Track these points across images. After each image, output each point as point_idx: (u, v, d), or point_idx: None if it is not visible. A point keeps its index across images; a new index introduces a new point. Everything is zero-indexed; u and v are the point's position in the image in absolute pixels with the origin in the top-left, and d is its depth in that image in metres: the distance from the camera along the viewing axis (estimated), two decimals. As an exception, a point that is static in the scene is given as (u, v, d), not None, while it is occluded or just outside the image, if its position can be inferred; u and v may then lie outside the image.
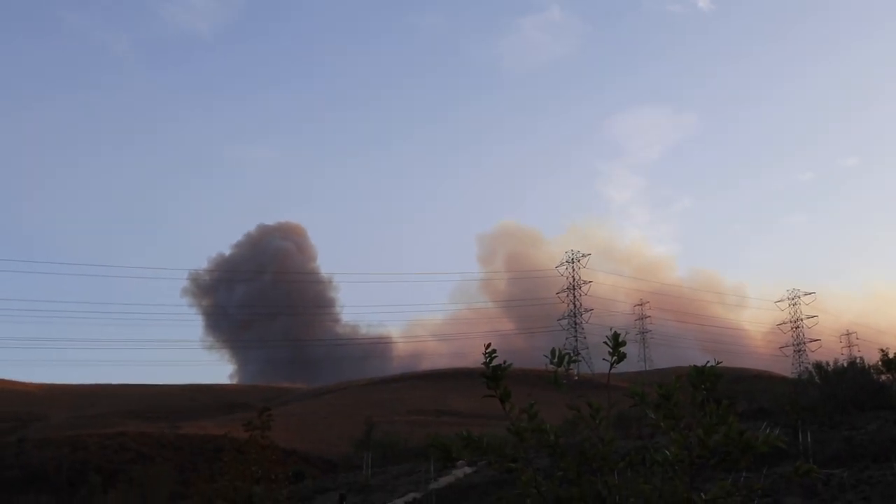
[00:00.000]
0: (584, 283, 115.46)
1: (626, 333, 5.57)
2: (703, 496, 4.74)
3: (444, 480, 33.39)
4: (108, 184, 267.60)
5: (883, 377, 39.46)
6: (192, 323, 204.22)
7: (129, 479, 40.80)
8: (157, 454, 56.99)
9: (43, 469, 53.19)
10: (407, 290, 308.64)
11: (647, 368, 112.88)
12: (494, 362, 5.24)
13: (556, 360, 5.25)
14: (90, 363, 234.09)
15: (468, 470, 34.23)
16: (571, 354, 5.38)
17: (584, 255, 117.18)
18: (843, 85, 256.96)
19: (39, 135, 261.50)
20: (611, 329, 5.66)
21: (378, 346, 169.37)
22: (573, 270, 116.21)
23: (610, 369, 5.35)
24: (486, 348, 5.30)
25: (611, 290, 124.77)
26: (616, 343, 5.31)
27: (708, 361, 5.22)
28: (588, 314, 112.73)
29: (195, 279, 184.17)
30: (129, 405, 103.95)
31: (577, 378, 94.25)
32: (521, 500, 4.92)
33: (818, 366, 43.73)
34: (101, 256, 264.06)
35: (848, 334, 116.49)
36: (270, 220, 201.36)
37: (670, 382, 5.19)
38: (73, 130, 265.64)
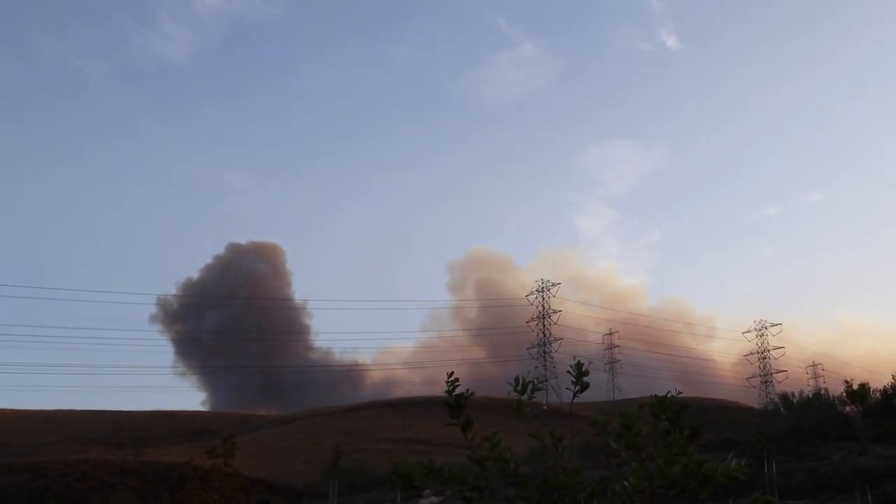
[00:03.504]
0: (554, 312, 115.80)
1: (591, 363, 5.57)
2: (663, 527, 4.74)
3: (410, 510, 33.09)
4: (74, 206, 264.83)
5: (847, 408, 39.90)
6: (162, 349, 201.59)
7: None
8: (120, 482, 55.96)
9: (2, 496, 51.99)
10: (379, 317, 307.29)
11: (616, 398, 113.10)
12: (458, 390, 5.23)
13: (519, 387, 5.25)
14: (53, 388, 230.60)
15: (435, 500, 33.97)
16: (535, 382, 5.37)
17: (554, 285, 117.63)
18: (808, 121, 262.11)
19: (6, 156, 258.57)
20: (573, 358, 5.68)
21: (350, 374, 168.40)
22: (543, 299, 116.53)
23: (573, 398, 5.35)
24: (449, 376, 5.29)
25: (581, 319, 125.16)
26: (579, 372, 5.31)
27: (669, 391, 5.24)
28: (558, 343, 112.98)
29: (163, 304, 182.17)
30: (93, 432, 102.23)
31: (545, 408, 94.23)
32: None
33: (784, 397, 44.20)
34: (66, 280, 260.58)
35: (814, 366, 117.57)
36: (242, 241, 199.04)
37: (633, 412, 5.20)
38: (40, 152, 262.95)
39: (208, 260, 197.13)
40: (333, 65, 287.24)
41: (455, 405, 5.20)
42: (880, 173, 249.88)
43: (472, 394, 5.18)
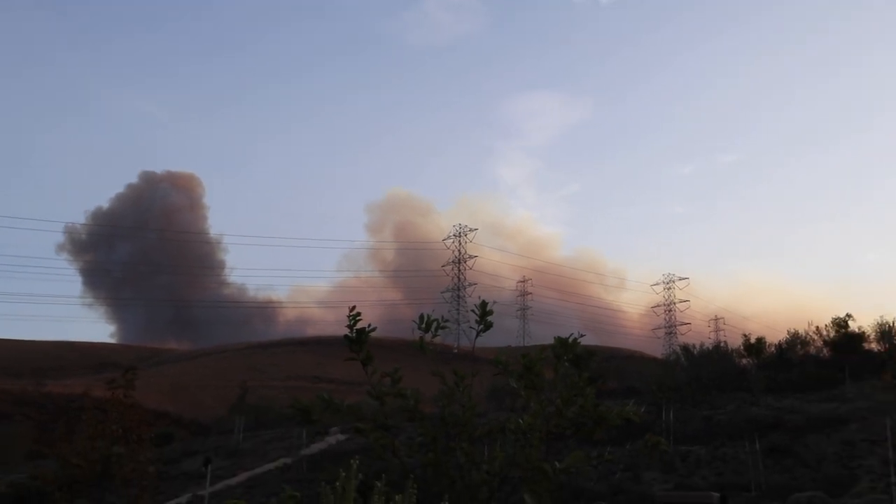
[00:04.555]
0: (470, 257, 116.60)
1: (494, 302, 5.55)
2: (558, 465, 4.79)
3: (316, 447, 33.24)
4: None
5: (744, 361, 41.64)
6: (70, 278, 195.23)
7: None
8: (18, 412, 54.67)
9: None
10: (296, 255, 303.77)
11: (527, 344, 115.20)
12: (364, 328, 5.16)
13: (423, 325, 5.21)
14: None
15: (341, 437, 34.19)
16: (440, 321, 5.34)
17: (471, 230, 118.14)
18: (726, 83, 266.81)
19: None
20: (479, 298, 5.66)
21: (264, 311, 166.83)
22: (460, 244, 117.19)
23: (476, 336, 5.35)
24: (351, 310, 5.21)
25: (496, 265, 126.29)
26: (483, 312, 5.30)
27: (572, 334, 5.27)
28: (472, 288, 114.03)
29: (71, 233, 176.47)
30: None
31: (456, 351, 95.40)
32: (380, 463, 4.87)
33: (685, 348, 45.74)
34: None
35: (716, 320, 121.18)
36: (157, 170, 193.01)
37: (535, 353, 5.23)
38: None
39: (120, 189, 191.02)
40: (260, 1, 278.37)
41: (356, 340, 5.14)
42: (792, 138, 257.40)
43: (374, 329, 5.12)
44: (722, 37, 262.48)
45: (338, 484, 3.67)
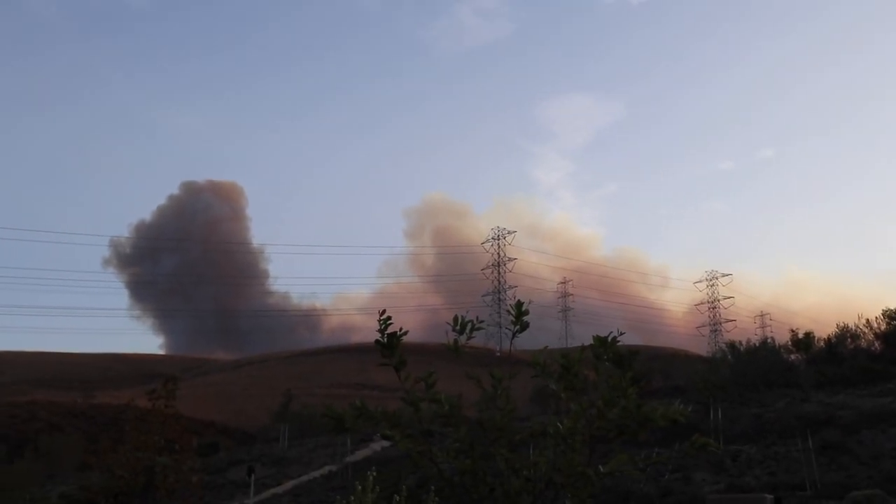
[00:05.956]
0: (510, 259, 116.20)
1: (530, 302, 5.35)
2: (602, 469, 4.59)
3: (360, 454, 33.24)
4: (27, 147, 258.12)
5: (792, 357, 40.76)
6: (117, 291, 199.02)
7: (35, 449, 39.61)
8: (68, 424, 55.51)
9: (-52, 438, 51.20)
10: (337, 263, 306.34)
11: (569, 345, 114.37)
12: (406, 336, 5.03)
13: (457, 327, 5.04)
14: (4, 330, 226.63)
15: (385, 443, 34.13)
16: (475, 322, 5.17)
17: (509, 232, 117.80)
18: (761, 79, 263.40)
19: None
20: (514, 297, 5.48)
21: (308, 319, 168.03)
22: (498, 247, 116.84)
23: (512, 338, 5.19)
24: (381, 314, 5.06)
25: (535, 267, 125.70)
26: (518, 312, 5.12)
27: (611, 332, 5.06)
28: (512, 291, 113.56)
29: (116, 247, 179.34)
30: (42, 374, 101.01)
31: (499, 354, 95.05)
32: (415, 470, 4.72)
33: (731, 345, 44.93)
34: (18, 221, 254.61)
35: (762, 315, 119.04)
36: (198, 180, 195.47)
37: (574, 353, 5.02)
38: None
39: (162, 201, 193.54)
40: (300, 16, 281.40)
41: (387, 345, 4.99)
42: (829, 132, 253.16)
43: (405, 333, 4.96)
44: (758, 31, 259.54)
45: (353, 498, 3.53)
